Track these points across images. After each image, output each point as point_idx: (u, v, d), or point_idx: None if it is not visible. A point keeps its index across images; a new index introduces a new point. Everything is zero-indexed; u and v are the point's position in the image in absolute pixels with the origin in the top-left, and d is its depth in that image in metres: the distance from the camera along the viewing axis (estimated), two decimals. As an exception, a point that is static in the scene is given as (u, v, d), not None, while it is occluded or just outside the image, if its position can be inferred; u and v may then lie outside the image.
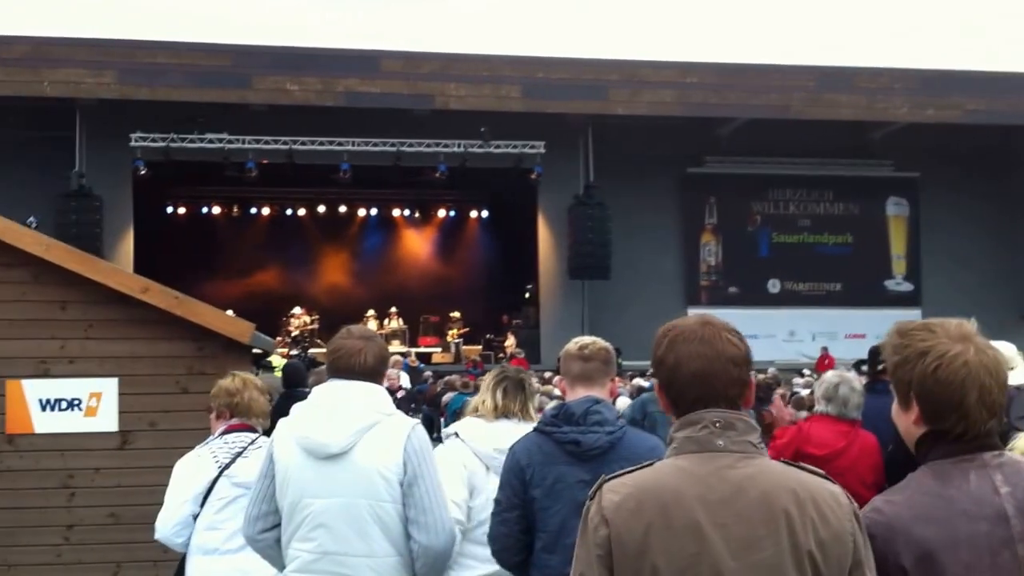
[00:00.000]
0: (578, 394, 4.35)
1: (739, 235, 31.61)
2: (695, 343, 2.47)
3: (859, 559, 2.33)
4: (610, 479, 2.44)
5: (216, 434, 5.29)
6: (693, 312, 29.49)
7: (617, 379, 5.40)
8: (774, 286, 31.70)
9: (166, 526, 5.10)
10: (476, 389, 11.51)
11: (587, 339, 4.53)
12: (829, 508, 2.33)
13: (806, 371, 22.02)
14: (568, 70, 28.29)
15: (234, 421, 5.26)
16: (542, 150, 27.61)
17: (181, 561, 5.24)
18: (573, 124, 28.76)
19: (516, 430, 4.62)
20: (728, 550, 2.28)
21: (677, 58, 29.82)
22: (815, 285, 31.90)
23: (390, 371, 14.93)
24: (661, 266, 30.80)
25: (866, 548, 2.35)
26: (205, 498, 5.03)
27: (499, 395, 4.98)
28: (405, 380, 14.44)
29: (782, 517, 2.30)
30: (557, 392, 11.34)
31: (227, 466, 5.02)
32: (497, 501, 4.29)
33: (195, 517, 5.04)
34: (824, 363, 24.85)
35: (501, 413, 4.92)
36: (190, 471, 5.16)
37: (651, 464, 2.45)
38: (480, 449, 4.83)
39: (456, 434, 5.02)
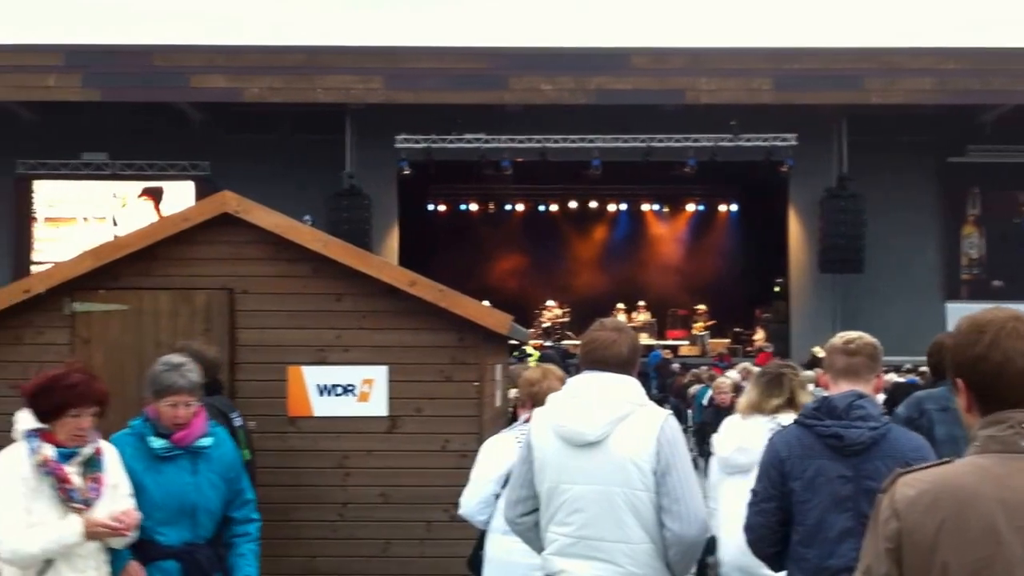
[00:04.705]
0: (841, 389, 4.27)
1: (1004, 226, 30.21)
2: (1022, 340, 2.33)
3: None
4: (905, 473, 2.37)
5: (521, 420, 5.47)
6: (953, 307, 28.00)
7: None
8: (1041, 280, 30.14)
9: (470, 503, 5.33)
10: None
11: (853, 334, 4.47)
12: None
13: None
14: (820, 61, 27.68)
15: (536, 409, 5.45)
16: (793, 142, 27.12)
17: (480, 538, 5.45)
18: (826, 115, 28.09)
19: (765, 426, 4.63)
20: None
21: (935, 43, 28.70)
22: (1087, 278, 30.11)
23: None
24: (918, 259, 29.74)
25: None
26: (507, 479, 5.10)
27: (754, 392, 5.00)
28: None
29: None
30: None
31: None
32: (754, 491, 4.28)
33: (497, 497, 5.20)
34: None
35: (754, 409, 4.94)
36: (496, 453, 5.34)
37: (949, 461, 2.37)
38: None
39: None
